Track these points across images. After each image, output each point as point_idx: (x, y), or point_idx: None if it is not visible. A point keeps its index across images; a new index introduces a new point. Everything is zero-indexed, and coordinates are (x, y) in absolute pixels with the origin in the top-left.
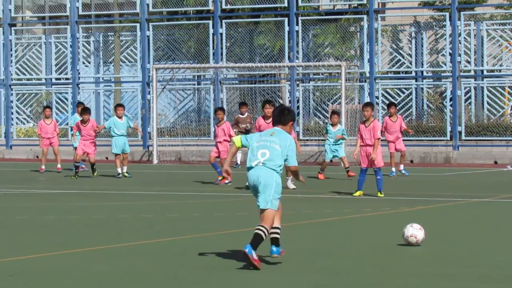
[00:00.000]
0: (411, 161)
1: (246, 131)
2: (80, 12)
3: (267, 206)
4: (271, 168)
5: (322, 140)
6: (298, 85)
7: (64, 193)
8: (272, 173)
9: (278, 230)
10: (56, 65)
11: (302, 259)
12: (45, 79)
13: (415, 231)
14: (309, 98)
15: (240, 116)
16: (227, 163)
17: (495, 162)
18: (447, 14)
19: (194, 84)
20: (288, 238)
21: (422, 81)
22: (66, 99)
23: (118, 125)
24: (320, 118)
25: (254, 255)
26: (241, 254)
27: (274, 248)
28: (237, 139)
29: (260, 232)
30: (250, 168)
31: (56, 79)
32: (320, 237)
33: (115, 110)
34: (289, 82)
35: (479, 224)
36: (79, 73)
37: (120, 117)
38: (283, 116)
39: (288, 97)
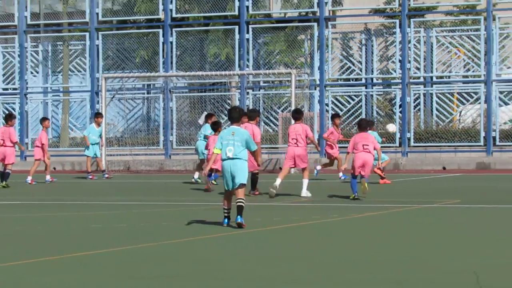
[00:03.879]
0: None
1: None
2: (29, 22)
3: (241, 185)
4: (239, 158)
5: (273, 148)
6: (248, 93)
7: (5, 204)
8: (241, 161)
9: (243, 200)
10: (3, 75)
11: (249, 267)
12: None
13: None
14: (259, 106)
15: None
16: (207, 169)
17: (444, 168)
18: (397, 21)
19: (144, 93)
20: (235, 247)
21: (372, 88)
22: (14, 109)
23: (94, 133)
24: (270, 126)
25: (243, 221)
26: (235, 225)
27: (239, 217)
28: (216, 150)
29: (241, 203)
30: (224, 160)
31: (4, 89)
32: (267, 245)
33: (96, 117)
34: (239, 90)
35: (428, 230)
36: (27, 83)
37: (98, 125)
38: (236, 115)
39: (239, 106)
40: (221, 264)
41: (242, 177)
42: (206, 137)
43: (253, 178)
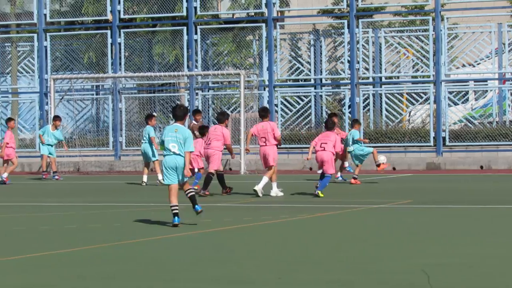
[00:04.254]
0: (310, 169)
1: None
2: None
3: (186, 180)
4: (181, 155)
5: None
6: (197, 94)
7: None
8: (182, 158)
9: (193, 190)
10: None
11: (198, 268)
12: None
13: None
14: (209, 107)
15: (195, 123)
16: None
17: (394, 168)
18: (346, 21)
19: (93, 94)
20: (186, 247)
21: (321, 89)
22: None
23: (49, 134)
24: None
25: (201, 208)
26: (199, 212)
27: (197, 206)
28: (160, 147)
29: (192, 192)
30: (167, 155)
31: None
32: (218, 246)
33: (54, 120)
34: (188, 91)
35: (378, 231)
36: None
37: (56, 128)
38: (180, 113)
39: (188, 106)
40: (172, 265)
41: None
42: (150, 140)
43: (207, 177)
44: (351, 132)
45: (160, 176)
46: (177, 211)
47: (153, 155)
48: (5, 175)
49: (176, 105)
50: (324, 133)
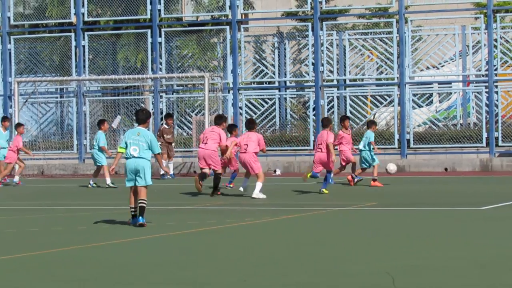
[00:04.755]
0: (274, 171)
1: (169, 143)
2: None
3: (146, 184)
4: (143, 158)
5: (187, 151)
6: (161, 96)
7: None
8: (145, 161)
9: (145, 201)
10: None
11: (163, 271)
12: None
13: None
14: (173, 110)
15: (165, 127)
16: (114, 164)
17: None
18: (310, 24)
19: (57, 97)
20: (150, 250)
21: (286, 91)
22: None
23: (2, 137)
24: (183, 129)
25: (145, 221)
26: (137, 225)
27: (140, 218)
28: (120, 149)
29: (143, 204)
30: (128, 158)
31: None
32: (182, 249)
33: (2, 121)
34: (153, 94)
35: (344, 233)
36: None
37: (5, 129)
38: (142, 117)
39: (152, 109)
40: (135, 268)
41: (146, 177)
42: (101, 148)
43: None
44: (367, 133)
45: (108, 180)
46: (135, 213)
47: (101, 161)
48: (16, 178)
49: (139, 109)
50: (320, 133)
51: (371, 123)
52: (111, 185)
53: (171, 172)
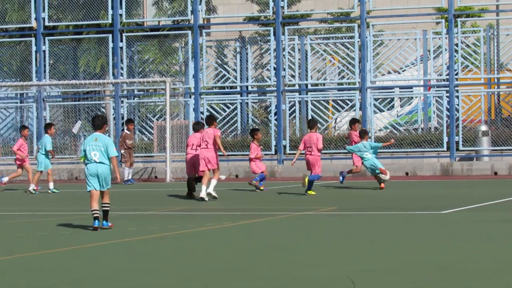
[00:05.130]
0: (236, 176)
1: (128, 148)
2: None
3: (107, 187)
4: (104, 163)
5: (149, 156)
6: (122, 101)
7: None
8: (105, 166)
9: (109, 204)
10: None
11: (123, 277)
12: None
13: None
14: (134, 115)
15: (127, 132)
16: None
17: None
18: (272, 29)
19: (17, 102)
20: (110, 256)
21: (247, 96)
22: None
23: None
24: (145, 134)
25: (110, 224)
26: (105, 228)
27: (105, 222)
28: (82, 158)
29: (107, 208)
30: (89, 163)
31: None
32: (142, 254)
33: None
34: (114, 99)
35: (304, 238)
36: None
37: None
38: (98, 122)
39: (113, 114)
40: (96, 274)
41: (107, 181)
42: (48, 152)
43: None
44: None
45: (51, 185)
46: (97, 215)
47: (45, 166)
48: (7, 181)
49: (95, 115)
50: (308, 134)
51: (363, 133)
52: (55, 190)
53: (130, 177)
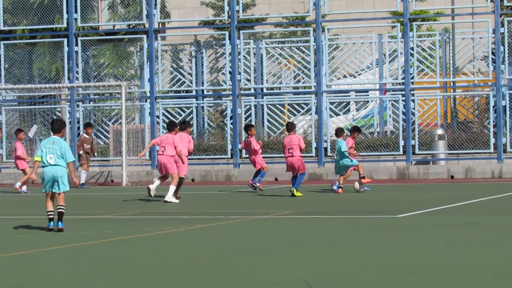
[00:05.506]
0: (192, 180)
1: (87, 152)
2: None
3: (63, 190)
4: (59, 165)
5: (104, 160)
6: (78, 106)
7: None
8: (61, 168)
9: (64, 207)
10: None
11: (77, 281)
12: None
13: None
14: (90, 119)
15: (86, 136)
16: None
17: (276, 179)
18: (227, 33)
19: None
20: (66, 260)
21: (203, 100)
22: None
23: None
24: (100, 138)
25: (63, 226)
26: (56, 230)
27: (60, 223)
28: (36, 157)
29: (62, 210)
30: (45, 166)
31: None
32: (98, 258)
33: None
34: (69, 103)
35: (258, 241)
36: None
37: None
38: (57, 126)
39: (69, 118)
40: (51, 278)
41: (64, 184)
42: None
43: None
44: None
45: (17, 184)
46: (52, 216)
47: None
48: (20, 185)
49: (54, 119)
50: (288, 137)
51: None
52: (21, 190)
53: (83, 181)
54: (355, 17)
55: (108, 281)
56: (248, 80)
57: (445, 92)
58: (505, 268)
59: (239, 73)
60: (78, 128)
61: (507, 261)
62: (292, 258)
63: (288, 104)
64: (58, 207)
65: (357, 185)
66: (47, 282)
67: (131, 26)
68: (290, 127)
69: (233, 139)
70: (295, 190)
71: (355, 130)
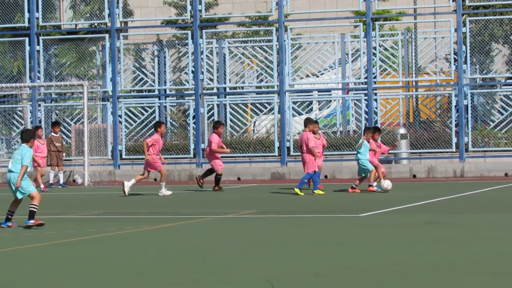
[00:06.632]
0: (155, 180)
1: (59, 151)
2: None
3: (23, 195)
4: (13, 171)
5: (67, 160)
6: (40, 105)
7: None
8: (14, 174)
9: (36, 206)
10: None
11: (38, 281)
12: None
13: None
14: (51, 118)
15: (54, 135)
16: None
17: (238, 179)
18: (190, 32)
19: None
20: (28, 260)
21: (165, 99)
22: None
23: None
24: (63, 138)
25: (31, 223)
26: (28, 226)
27: (27, 221)
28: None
29: (33, 208)
30: (9, 171)
31: None
32: (60, 258)
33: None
34: (31, 102)
35: (222, 241)
36: None
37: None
38: (25, 136)
39: (30, 118)
40: (12, 279)
41: (22, 189)
42: None
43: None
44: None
45: None
46: (10, 216)
47: None
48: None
49: (24, 129)
50: (301, 134)
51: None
52: None
53: (62, 182)
54: (318, 16)
55: (73, 281)
56: (211, 80)
57: (408, 92)
58: (472, 266)
59: (202, 73)
60: (39, 127)
61: (474, 259)
62: (255, 258)
63: (251, 104)
64: (31, 205)
65: (385, 183)
66: (8, 283)
67: (93, 25)
68: (305, 122)
69: (196, 138)
70: (297, 189)
71: (375, 130)
